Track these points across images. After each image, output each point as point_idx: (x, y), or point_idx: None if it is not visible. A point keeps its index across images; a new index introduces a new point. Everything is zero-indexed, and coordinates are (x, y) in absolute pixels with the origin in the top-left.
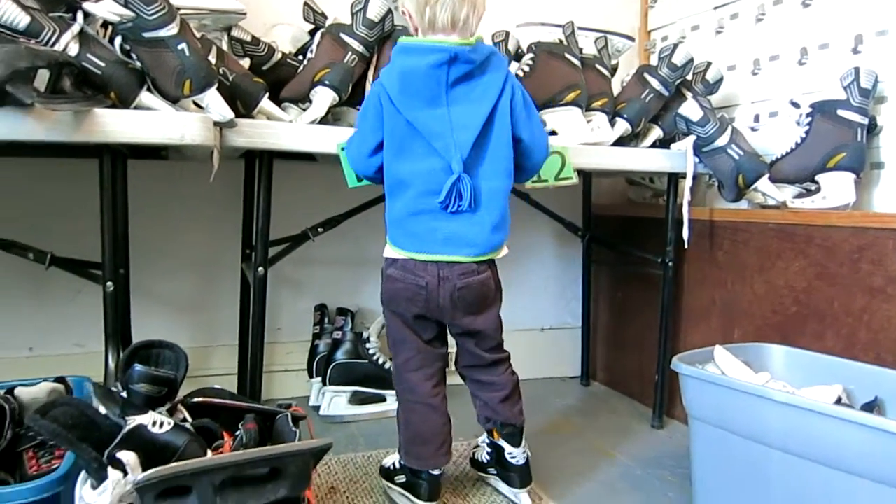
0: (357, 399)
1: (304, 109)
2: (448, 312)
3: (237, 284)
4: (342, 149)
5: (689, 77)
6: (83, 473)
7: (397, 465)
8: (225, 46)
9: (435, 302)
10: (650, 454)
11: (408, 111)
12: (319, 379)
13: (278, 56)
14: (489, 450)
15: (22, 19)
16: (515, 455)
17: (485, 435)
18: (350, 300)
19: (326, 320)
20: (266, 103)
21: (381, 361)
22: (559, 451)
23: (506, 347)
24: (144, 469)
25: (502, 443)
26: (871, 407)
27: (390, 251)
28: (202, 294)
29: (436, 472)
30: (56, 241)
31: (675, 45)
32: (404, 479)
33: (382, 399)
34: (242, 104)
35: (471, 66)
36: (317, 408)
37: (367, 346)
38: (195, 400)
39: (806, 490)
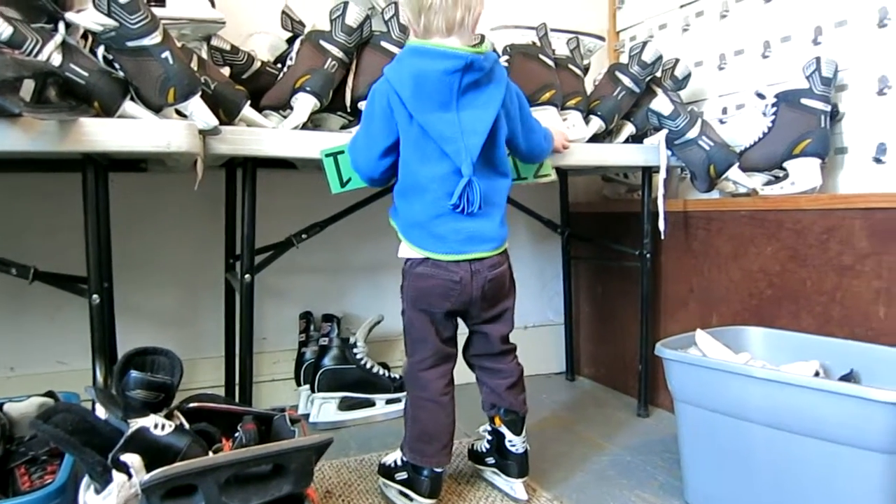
0: (346, 405)
1: (285, 117)
2: (477, 304)
3: (221, 296)
4: (326, 155)
5: (659, 74)
6: (85, 479)
7: (398, 463)
8: (205, 55)
9: (468, 295)
10: (638, 442)
11: (420, 114)
12: (308, 386)
13: (258, 64)
14: (489, 437)
15: (4, 30)
16: (515, 444)
17: (486, 425)
18: (335, 306)
19: (312, 327)
20: (248, 111)
21: (368, 366)
22: (549, 444)
23: None
24: (148, 471)
25: (504, 430)
26: (847, 379)
27: (411, 251)
28: (186, 306)
29: (438, 469)
30: (35, 258)
31: (645, 43)
32: (405, 476)
33: (371, 403)
34: (225, 112)
35: (481, 74)
36: (306, 415)
37: (355, 350)
38: (191, 405)
39: (790, 461)
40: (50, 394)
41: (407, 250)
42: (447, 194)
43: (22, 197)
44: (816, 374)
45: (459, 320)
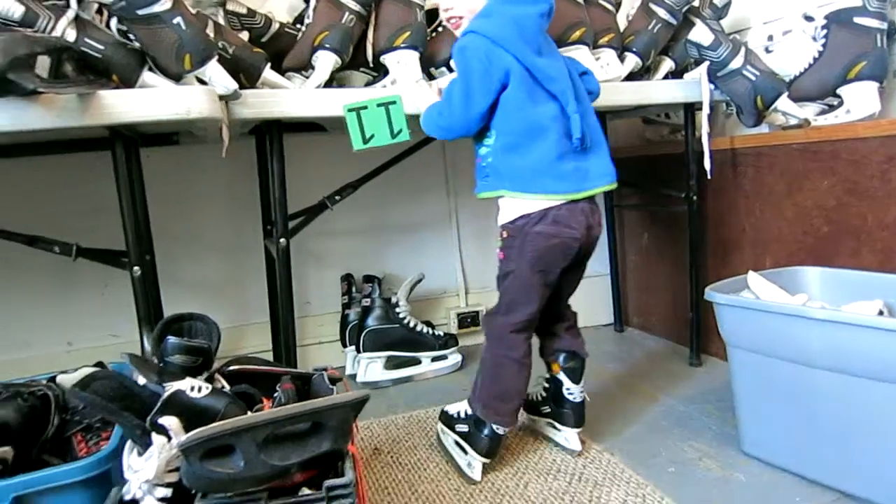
0: (392, 364)
1: (308, 77)
2: (586, 256)
3: (262, 262)
4: (349, 110)
5: (696, 3)
6: (129, 443)
7: (462, 415)
8: (221, 21)
9: (585, 248)
10: (690, 391)
11: (525, 58)
12: (353, 347)
13: (276, 26)
14: (546, 385)
15: (16, 10)
16: (573, 392)
17: (543, 374)
18: (375, 267)
19: (354, 289)
20: (269, 73)
21: (412, 325)
22: (600, 396)
23: None
24: (186, 433)
25: (562, 377)
26: None
27: (529, 205)
28: (230, 275)
29: (501, 431)
30: (80, 236)
31: None
32: (466, 430)
33: (417, 361)
34: (245, 76)
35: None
36: (353, 376)
37: (398, 310)
38: (231, 368)
39: (855, 406)
40: (100, 364)
41: (520, 207)
42: (566, 133)
43: (63, 178)
44: (881, 313)
45: None
